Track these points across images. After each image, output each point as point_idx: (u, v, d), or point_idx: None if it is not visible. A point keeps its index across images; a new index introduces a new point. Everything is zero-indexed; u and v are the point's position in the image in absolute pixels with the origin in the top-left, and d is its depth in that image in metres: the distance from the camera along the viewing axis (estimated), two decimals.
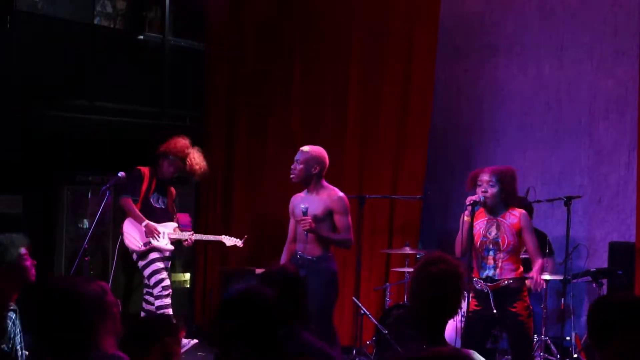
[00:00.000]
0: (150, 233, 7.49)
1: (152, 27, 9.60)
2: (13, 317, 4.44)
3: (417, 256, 8.02)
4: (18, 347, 4.42)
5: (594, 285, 6.99)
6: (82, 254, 6.14)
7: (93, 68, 8.70)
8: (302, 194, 6.48)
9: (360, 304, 7.31)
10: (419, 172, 8.23)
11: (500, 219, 5.79)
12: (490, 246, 5.77)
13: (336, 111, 8.67)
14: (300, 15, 8.96)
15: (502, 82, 8.76)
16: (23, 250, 4.64)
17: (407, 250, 7.62)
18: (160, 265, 7.57)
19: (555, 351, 6.88)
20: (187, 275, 9.51)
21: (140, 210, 7.57)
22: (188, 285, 9.55)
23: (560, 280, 6.74)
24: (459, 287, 3.57)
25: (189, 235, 7.75)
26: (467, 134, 9.00)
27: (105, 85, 8.84)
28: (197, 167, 7.78)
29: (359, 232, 7.57)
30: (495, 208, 5.81)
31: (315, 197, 6.34)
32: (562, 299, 6.73)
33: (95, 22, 9.22)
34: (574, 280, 7.07)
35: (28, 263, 4.67)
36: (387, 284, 7.94)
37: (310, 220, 6.17)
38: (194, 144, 9.35)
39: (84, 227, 8.83)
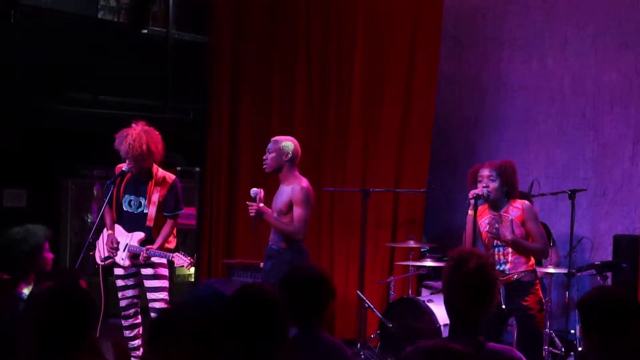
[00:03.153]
0: (107, 245, 6.43)
1: (156, 21, 9.61)
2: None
3: (422, 250, 8.03)
4: None
5: (598, 278, 6.97)
6: (87, 248, 6.15)
7: (97, 62, 8.71)
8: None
9: (364, 298, 7.32)
10: (422, 166, 8.23)
11: (504, 213, 5.76)
12: (498, 242, 5.73)
13: (340, 105, 8.67)
14: (303, 9, 8.95)
15: (505, 75, 8.75)
16: (41, 241, 4.68)
17: (411, 243, 7.62)
18: (119, 283, 6.50)
19: (560, 344, 6.89)
20: (192, 269, 9.53)
21: (116, 215, 6.52)
22: (192, 279, 9.58)
23: (564, 273, 6.73)
24: (495, 278, 3.50)
25: (145, 250, 6.29)
26: (470, 127, 9.00)
27: (109, 78, 8.85)
28: (148, 150, 6.30)
29: (363, 226, 7.59)
30: (497, 203, 5.77)
31: (284, 189, 6.27)
32: (567, 292, 6.72)
33: (99, 15, 9.24)
34: (579, 274, 7.06)
35: (44, 255, 4.70)
36: (391, 277, 7.95)
37: (256, 206, 6.10)
38: (198, 137, 9.39)
39: (88, 220, 8.85)
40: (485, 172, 5.76)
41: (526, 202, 5.84)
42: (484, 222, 5.80)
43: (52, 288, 3.28)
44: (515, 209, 5.74)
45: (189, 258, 6.21)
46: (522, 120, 8.60)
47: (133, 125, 6.36)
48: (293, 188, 6.16)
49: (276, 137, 6.41)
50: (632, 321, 3.16)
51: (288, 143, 6.29)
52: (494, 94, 8.84)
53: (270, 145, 6.32)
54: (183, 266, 6.25)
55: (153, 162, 6.41)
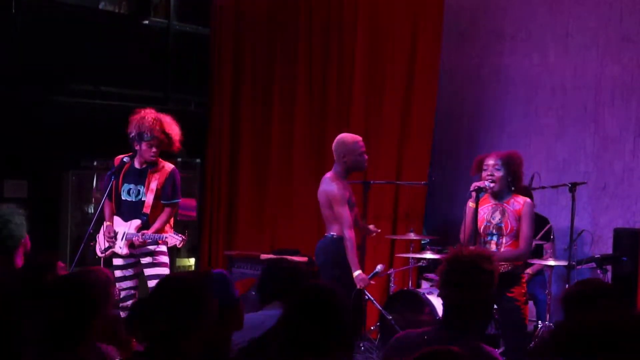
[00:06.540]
0: (105, 236, 6.41)
1: (157, 12, 9.60)
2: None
3: (422, 242, 8.04)
4: None
5: (598, 271, 6.98)
6: (87, 239, 6.16)
7: (98, 53, 8.69)
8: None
9: (364, 290, 7.32)
10: (423, 158, 8.23)
11: (505, 204, 5.77)
12: (494, 231, 5.74)
13: (341, 96, 8.67)
14: (304, 1, 8.94)
15: (507, 68, 8.73)
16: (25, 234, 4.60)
17: (412, 236, 7.62)
18: (117, 274, 6.32)
19: None
20: (192, 261, 9.54)
21: (115, 206, 6.47)
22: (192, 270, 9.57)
23: (564, 266, 6.74)
24: (492, 282, 3.47)
25: (140, 235, 6.24)
26: (472, 120, 8.99)
27: (110, 70, 8.84)
28: (176, 136, 6.40)
29: (363, 218, 7.58)
30: (500, 193, 5.78)
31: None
32: (567, 285, 6.72)
33: (100, 6, 9.22)
34: (579, 267, 7.06)
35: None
36: (392, 269, 7.95)
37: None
38: (199, 129, 9.39)
39: (89, 212, 8.85)
40: (490, 161, 5.77)
41: (528, 199, 5.84)
42: (483, 210, 5.79)
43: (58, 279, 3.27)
44: (517, 203, 5.76)
45: (180, 235, 6.22)
46: (523, 113, 8.59)
47: (142, 112, 6.35)
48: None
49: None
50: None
51: None
52: (495, 87, 8.83)
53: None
54: (176, 245, 6.24)
55: (171, 149, 6.43)
